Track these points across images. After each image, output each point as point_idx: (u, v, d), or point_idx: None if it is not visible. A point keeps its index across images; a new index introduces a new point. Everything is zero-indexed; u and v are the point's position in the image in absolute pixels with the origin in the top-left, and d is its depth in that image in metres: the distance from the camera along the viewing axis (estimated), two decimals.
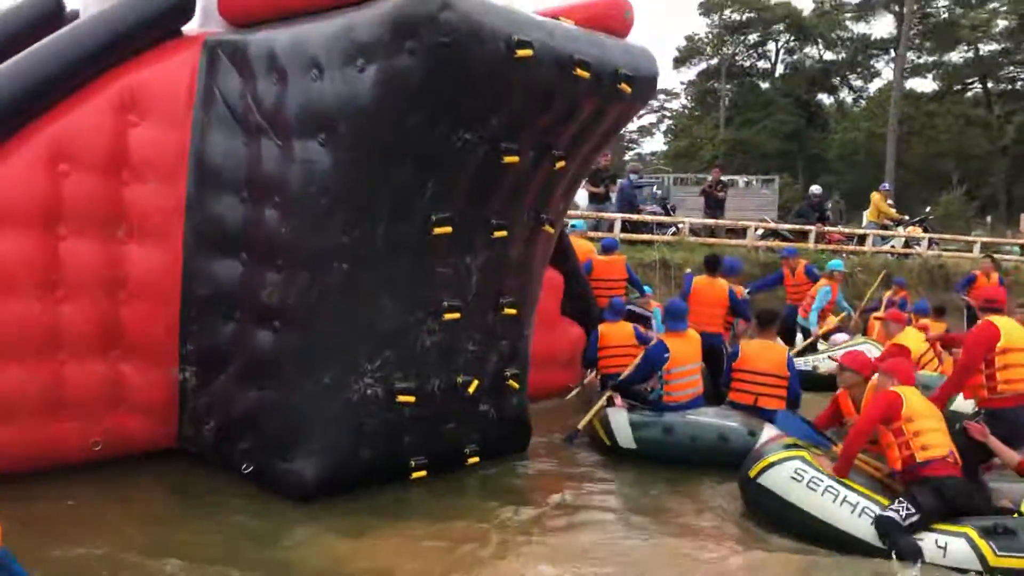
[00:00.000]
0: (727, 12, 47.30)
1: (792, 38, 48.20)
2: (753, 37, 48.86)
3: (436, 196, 4.95)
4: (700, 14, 47.76)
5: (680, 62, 49.82)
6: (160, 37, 5.49)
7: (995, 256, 13.98)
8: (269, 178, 5.09)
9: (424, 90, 4.52)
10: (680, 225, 14.30)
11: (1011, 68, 43.71)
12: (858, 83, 49.73)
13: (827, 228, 15.28)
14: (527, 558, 4.47)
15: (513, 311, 5.72)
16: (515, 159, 5.05)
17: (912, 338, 7.74)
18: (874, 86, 48.03)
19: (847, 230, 16.28)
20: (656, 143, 58.85)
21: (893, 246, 15.91)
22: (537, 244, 5.87)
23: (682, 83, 53.72)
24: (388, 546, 4.54)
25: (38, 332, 4.97)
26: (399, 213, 4.91)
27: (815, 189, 16.94)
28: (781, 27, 47.54)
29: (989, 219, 31.23)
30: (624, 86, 5.32)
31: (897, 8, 41.76)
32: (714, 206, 15.38)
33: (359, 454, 5.18)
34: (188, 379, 5.53)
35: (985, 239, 17.58)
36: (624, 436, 6.25)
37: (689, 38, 49.28)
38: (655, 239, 13.59)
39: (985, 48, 43.14)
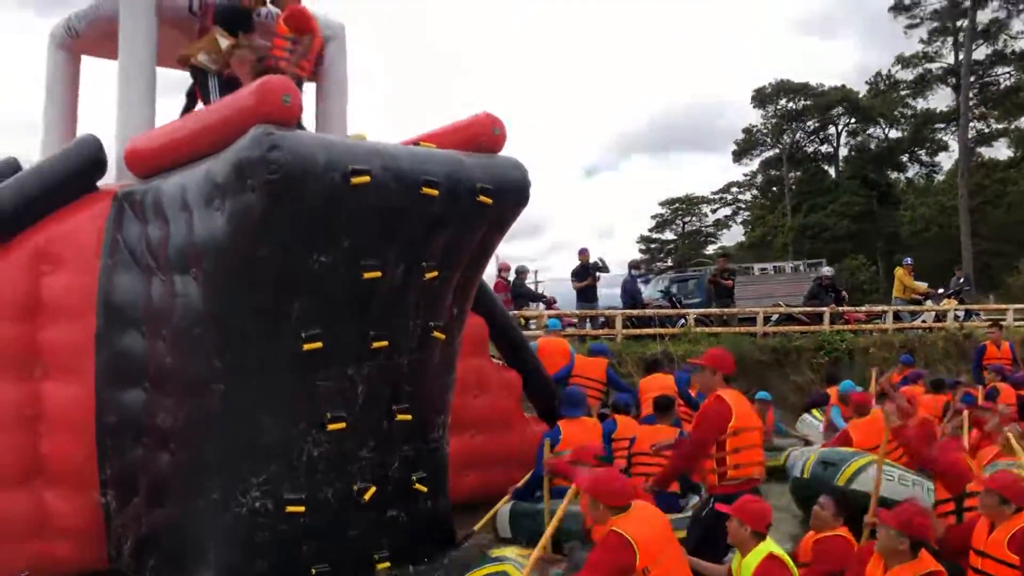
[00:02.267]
0: (782, 102, 47.67)
1: (852, 120, 48.07)
2: (812, 123, 48.91)
3: (304, 315, 5.31)
4: (754, 106, 48.32)
5: (739, 155, 50.23)
6: (77, 192, 6.14)
7: (1002, 324, 13.46)
8: (158, 312, 5.58)
9: (268, 222, 4.96)
10: (685, 319, 14.32)
11: None
12: (928, 158, 49.03)
13: (842, 308, 15.04)
14: None
15: (407, 416, 5.95)
16: (377, 274, 5.39)
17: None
18: (943, 160, 47.33)
19: (864, 309, 15.99)
20: (735, 235, 59.02)
21: (924, 321, 15.50)
22: (432, 350, 6.13)
23: (745, 175, 53.94)
24: None
25: None
26: (268, 334, 5.29)
27: (826, 270, 16.74)
28: (840, 111, 47.54)
29: None
30: (484, 199, 5.66)
31: (954, 80, 41.35)
32: (723, 295, 15.37)
33: (255, 566, 5.42)
34: (109, 502, 5.93)
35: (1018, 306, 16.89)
36: (503, 526, 6.35)
37: (747, 130, 49.76)
38: (660, 332, 13.67)
39: None
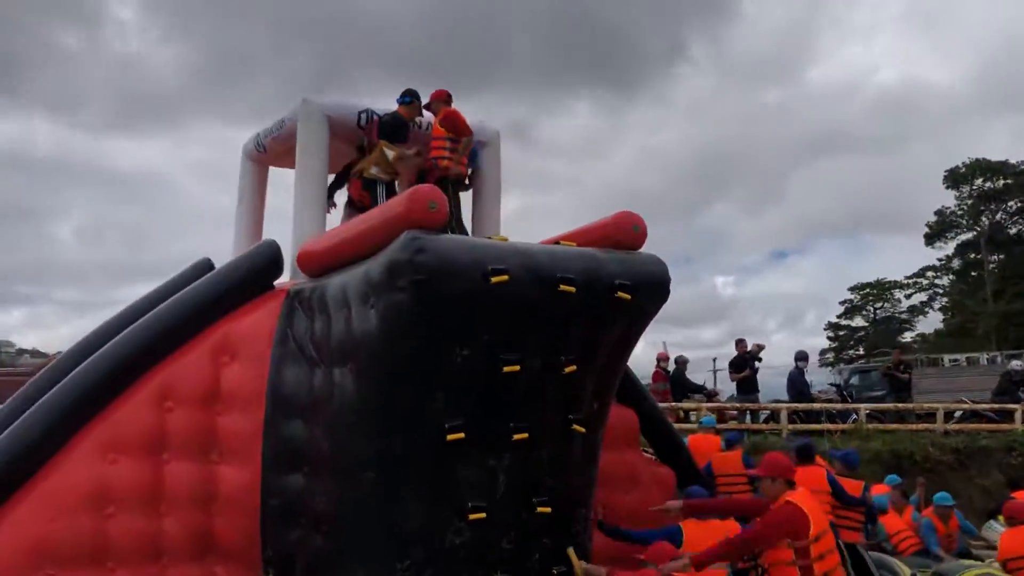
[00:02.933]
0: (978, 181, 45.02)
1: None
2: (1014, 203, 45.76)
3: (447, 406, 5.60)
4: (947, 187, 45.83)
5: (932, 238, 47.56)
6: (256, 290, 6.80)
7: None
8: (317, 401, 6.04)
9: (415, 318, 5.33)
10: (857, 413, 13.65)
11: None
12: None
13: None
14: None
15: (547, 509, 6.05)
16: (516, 368, 5.62)
17: None
18: None
19: None
20: (933, 322, 55.64)
21: None
22: (572, 443, 6.25)
23: (939, 259, 50.88)
24: None
25: (143, 542, 6.08)
26: (413, 424, 5.60)
27: (1016, 364, 15.45)
28: None
29: None
30: (622, 295, 5.81)
31: None
32: (899, 388, 14.55)
33: None
34: None
35: None
36: None
37: (939, 212, 47.17)
38: (829, 428, 13.11)
39: None
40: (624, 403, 8.46)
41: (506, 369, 5.62)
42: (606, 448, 8.15)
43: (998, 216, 46.57)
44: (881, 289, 59.72)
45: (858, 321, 62.24)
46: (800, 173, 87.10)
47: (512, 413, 5.87)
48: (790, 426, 13.76)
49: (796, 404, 14.23)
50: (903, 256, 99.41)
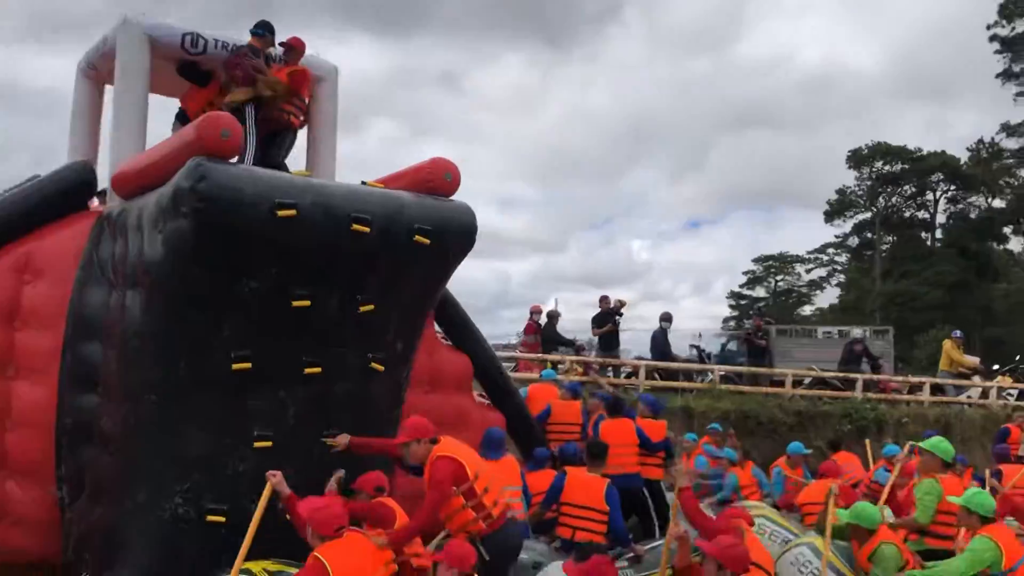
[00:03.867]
0: (878, 164, 46.53)
1: (952, 187, 46.50)
2: (909, 188, 47.52)
3: (234, 335, 5.68)
4: (849, 167, 47.27)
5: (831, 215, 49.11)
6: (66, 210, 6.70)
7: None
8: (112, 323, 6.05)
9: (196, 246, 5.37)
10: (712, 374, 14.26)
11: None
12: None
13: (878, 376, 14.64)
14: None
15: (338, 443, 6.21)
16: (306, 303, 5.73)
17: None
18: None
19: (900, 379, 15.49)
20: (830, 297, 57.69)
21: (969, 396, 14.93)
22: (371, 382, 6.40)
23: (836, 236, 52.65)
24: None
25: None
26: (199, 351, 5.67)
27: (856, 333, 16.32)
28: (939, 177, 46.07)
29: None
30: (421, 239, 5.94)
31: None
32: (756, 354, 15.18)
33: (172, 570, 5.75)
34: (64, 497, 6.38)
35: None
36: None
37: (840, 191, 48.67)
38: (683, 386, 13.68)
39: None
40: (458, 348, 8.70)
41: (295, 304, 5.72)
42: (435, 390, 8.43)
43: (893, 199, 48.32)
44: (783, 262, 61.51)
45: (760, 292, 64.11)
46: (721, 144, 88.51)
47: (305, 348, 5.98)
48: (647, 382, 14.25)
49: (656, 363, 14.71)
50: (809, 232, 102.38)
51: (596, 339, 15.10)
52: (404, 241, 5.93)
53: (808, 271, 60.48)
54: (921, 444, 7.08)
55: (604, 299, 14.95)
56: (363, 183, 6.28)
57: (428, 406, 8.23)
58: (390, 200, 5.96)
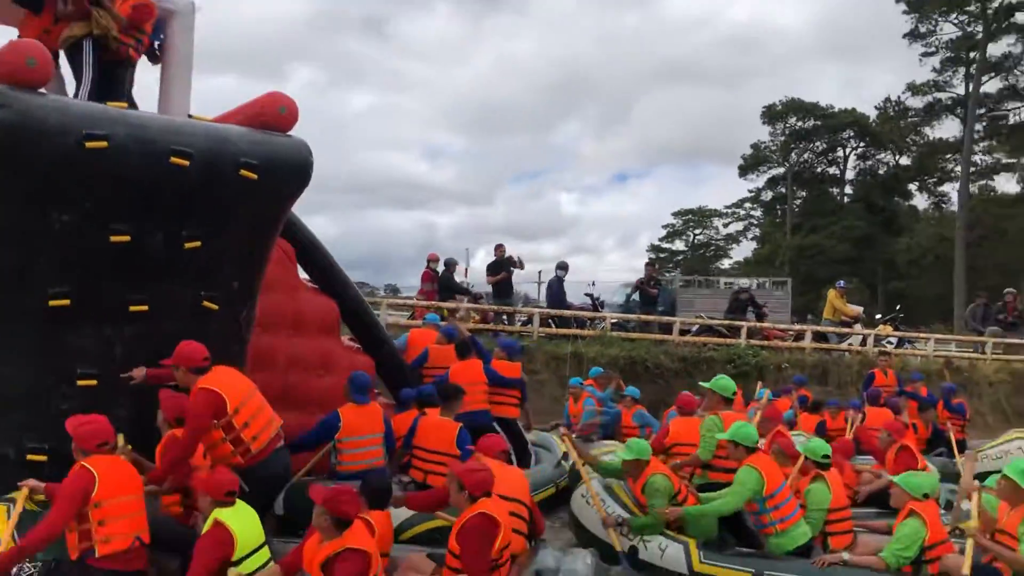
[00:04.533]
0: (791, 120, 47.40)
1: (861, 144, 47.71)
2: (821, 144, 48.60)
3: (49, 271, 5.52)
4: (763, 123, 48.10)
5: (746, 170, 50.01)
6: None
7: (890, 352, 13.51)
8: None
9: (2, 178, 5.17)
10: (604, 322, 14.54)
11: None
12: (943, 188, 48.54)
13: (762, 324, 15.08)
14: None
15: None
16: (125, 238, 5.59)
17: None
18: (951, 190, 46.81)
19: (782, 326, 16.00)
20: (746, 250, 58.98)
21: (850, 344, 15.48)
22: (205, 321, 6.30)
23: (750, 191, 53.74)
24: None
25: None
26: (14, 286, 5.49)
27: (743, 282, 16.80)
28: (849, 134, 47.19)
29: None
30: (247, 173, 5.83)
31: (962, 111, 40.87)
32: (648, 302, 15.47)
33: None
34: None
35: (939, 336, 16.80)
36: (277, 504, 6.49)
37: (755, 146, 49.53)
38: (576, 333, 13.93)
39: None
40: (324, 291, 8.63)
41: (114, 239, 5.57)
42: (298, 333, 8.36)
43: (806, 155, 49.41)
44: (702, 216, 62.58)
45: (679, 245, 65.27)
46: (648, 99, 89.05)
47: (130, 285, 5.85)
48: (542, 329, 14.41)
49: (549, 310, 14.88)
50: (729, 187, 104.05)
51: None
52: (229, 176, 5.81)
53: (725, 225, 61.79)
54: (703, 383, 7.20)
55: (499, 247, 15.02)
56: (190, 116, 6.12)
57: (291, 349, 8.24)
58: (214, 134, 5.82)
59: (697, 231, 64.34)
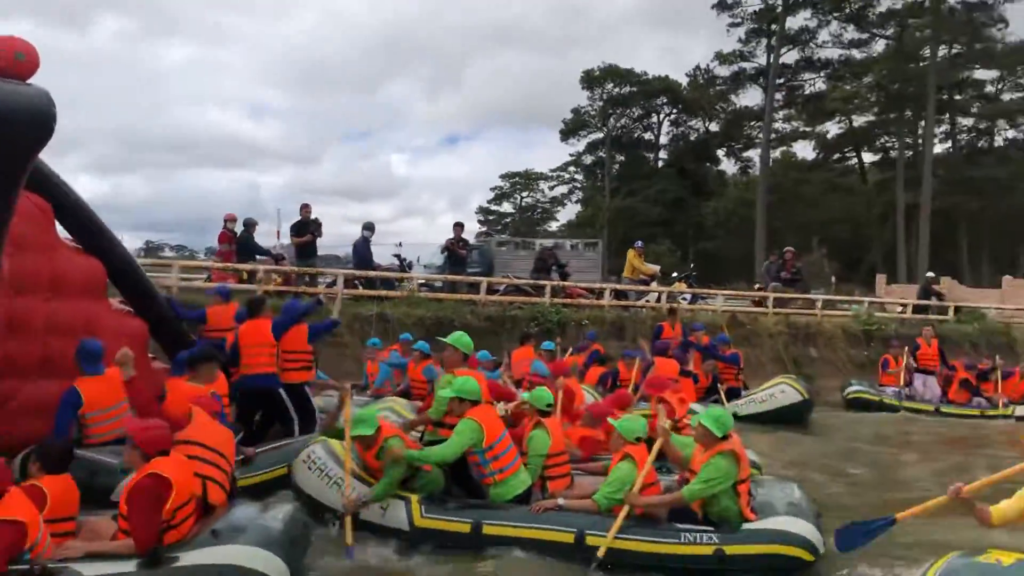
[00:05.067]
0: (609, 86, 48.77)
1: (675, 110, 49.80)
2: (637, 110, 50.36)
3: None
4: (583, 88, 49.23)
5: (567, 134, 51.16)
6: None
7: (675, 308, 14.35)
8: None
9: None
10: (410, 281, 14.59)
11: (885, 139, 45.38)
12: (748, 154, 51.49)
13: (565, 283, 15.56)
14: None
15: None
16: None
17: None
18: (755, 155, 49.80)
19: (584, 284, 16.61)
20: (571, 213, 60.47)
21: (647, 300, 16.22)
22: None
23: (571, 155, 55.14)
24: None
25: None
26: None
27: (547, 243, 17.34)
28: (663, 100, 49.11)
29: (834, 279, 32.10)
30: None
31: (764, 81, 43.38)
32: (457, 263, 15.60)
33: None
34: None
35: (725, 292, 18.03)
36: None
37: (575, 111, 50.67)
38: (382, 294, 13.87)
39: (860, 120, 44.83)
40: (88, 252, 8.14)
41: None
42: (58, 296, 7.84)
43: (623, 120, 51.08)
44: (528, 179, 63.61)
45: (507, 207, 66.17)
46: (478, 61, 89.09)
47: None
48: (348, 291, 14.22)
49: (354, 271, 14.69)
50: (556, 150, 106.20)
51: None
52: None
53: (551, 188, 63.09)
54: (442, 338, 7.09)
55: (305, 207, 14.65)
56: None
57: (49, 313, 7.72)
58: None
59: (524, 194, 65.39)
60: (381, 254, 16.06)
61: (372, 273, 14.82)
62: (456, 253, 15.97)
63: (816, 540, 5.15)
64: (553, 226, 62.56)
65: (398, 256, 16.52)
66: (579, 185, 60.40)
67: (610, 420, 5.94)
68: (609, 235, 43.14)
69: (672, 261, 42.93)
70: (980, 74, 42.55)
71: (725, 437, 5.27)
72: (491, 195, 65.42)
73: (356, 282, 14.74)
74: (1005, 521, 3.76)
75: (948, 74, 39.50)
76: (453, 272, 15.82)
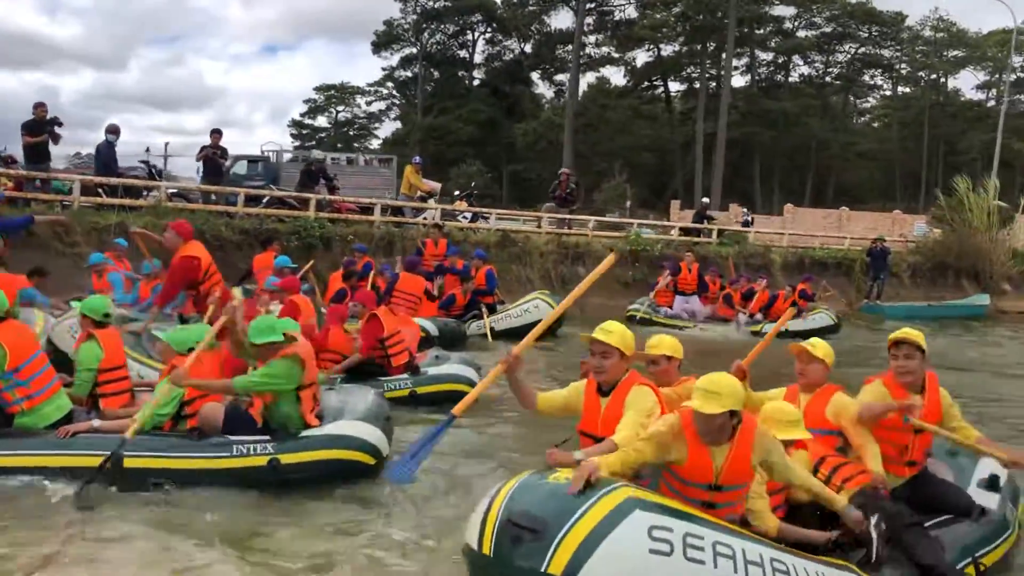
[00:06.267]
0: None
1: (490, 29, 49.17)
2: (452, 26, 49.35)
3: None
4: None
5: (378, 47, 49.56)
6: None
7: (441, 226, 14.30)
8: None
9: None
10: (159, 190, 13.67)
11: (690, 70, 46.76)
12: (561, 78, 51.69)
13: (332, 197, 15.04)
14: None
15: None
16: None
17: None
18: (567, 79, 50.07)
19: (353, 199, 16.16)
20: (391, 128, 58.93)
21: (426, 218, 15.95)
22: None
23: (383, 69, 53.53)
24: None
25: None
26: None
27: (316, 155, 16.85)
28: (479, 17, 48.33)
29: (628, 204, 33.21)
30: None
31: (576, 4, 43.46)
32: (213, 172, 14.72)
33: None
34: None
35: (500, 212, 18.18)
36: None
37: (388, 23, 49.06)
38: (126, 203, 12.87)
39: (668, 49, 45.90)
40: None
41: None
42: None
43: (437, 36, 49.94)
44: (344, 92, 61.37)
45: (322, 121, 63.72)
46: None
47: None
48: (83, 198, 13.08)
49: (94, 178, 13.50)
50: (376, 64, 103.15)
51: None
52: None
53: (369, 103, 61.19)
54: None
55: (40, 106, 13.19)
56: None
57: None
58: None
59: (341, 108, 63.16)
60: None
61: (116, 180, 13.68)
62: (215, 163, 15.01)
63: (378, 442, 5.01)
64: (374, 143, 61.05)
65: (146, 163, 15.36)
66: (397, 102, 58.97)
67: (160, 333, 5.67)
68: (421, 153, 42.45)
69: (484, 182, 43.01)
70: (779, 10, 44.48)
71: (290, 340, 5.01)
72: (305, 108, 62.83)
73: (98, 189, 13.59)
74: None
75: (749, 8, 40.94)
76: (208, 182, 14.90)
